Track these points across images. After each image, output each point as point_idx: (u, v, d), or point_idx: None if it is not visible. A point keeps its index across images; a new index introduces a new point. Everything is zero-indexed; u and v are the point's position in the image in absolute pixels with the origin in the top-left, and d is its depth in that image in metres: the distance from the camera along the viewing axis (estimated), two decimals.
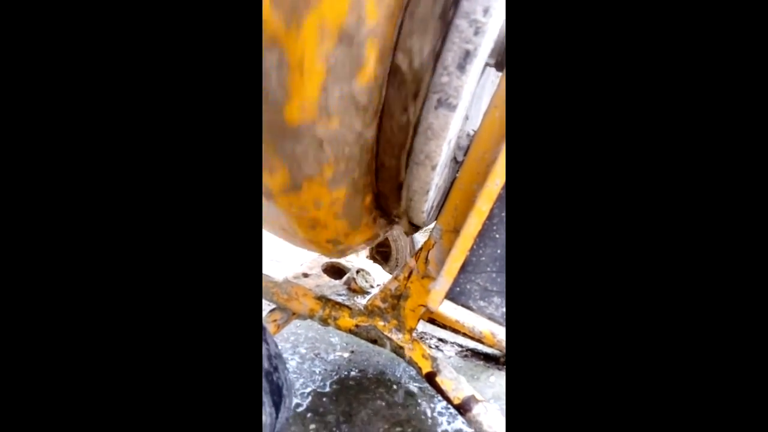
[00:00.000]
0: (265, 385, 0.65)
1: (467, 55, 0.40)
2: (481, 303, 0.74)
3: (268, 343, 0.70)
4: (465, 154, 0.72)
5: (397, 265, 1.34)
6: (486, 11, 0.38)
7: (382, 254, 1.33)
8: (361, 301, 0.97)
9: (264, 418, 0.67)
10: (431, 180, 0.53)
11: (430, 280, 0.85)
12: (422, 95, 0.44)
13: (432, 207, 0.68)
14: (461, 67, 0.41)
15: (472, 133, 0.75)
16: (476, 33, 0.39)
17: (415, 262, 0.88)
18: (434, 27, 0.39)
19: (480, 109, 0.83)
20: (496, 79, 0.73)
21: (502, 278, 0.71)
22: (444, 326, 1.20)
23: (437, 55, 0.41)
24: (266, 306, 1.03)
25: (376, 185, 0.59)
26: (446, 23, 0.39)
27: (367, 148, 0.49)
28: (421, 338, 1.23)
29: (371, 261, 1.22)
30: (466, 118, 0.72)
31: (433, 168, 0.51)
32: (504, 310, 0.72)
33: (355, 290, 1.01)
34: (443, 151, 0.49)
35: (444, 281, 0.73)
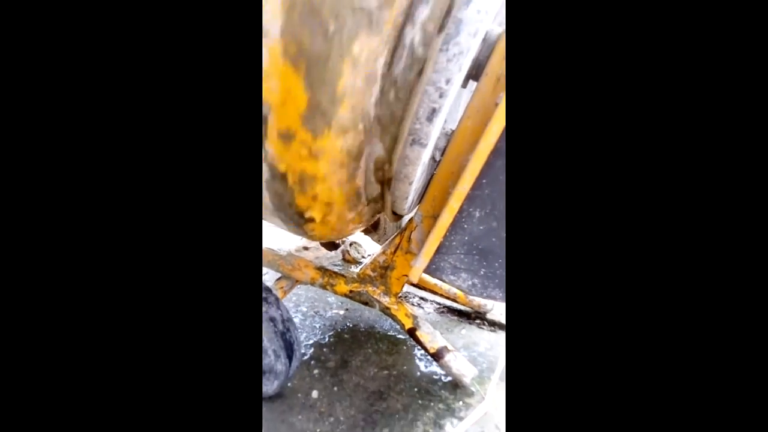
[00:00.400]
0: (281, 342, 0.83)
1: (434, 111, 0.53)
2: (452, 277, 0.91)
3: (281, 310, 0.87)
4: (442, 154, 0.85)
5: (384, 233, 1.50)
6: (448, 81, 0.51)
7: (371, 224, 1.49)
8: (354, 269, 1.14)
9: (280, 367, 0.86)
10: (410, 190, 0.67)
11: (412, 255, 1.02)
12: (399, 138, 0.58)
13: (412, 202, 0.82)
14: (429, 119, 0.54)
15: (450, 132, 0.88)
16: (440, 96, 0.52)
17: (399, 239, 1.04)
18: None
19: (459, 110, 0.94)
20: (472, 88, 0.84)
21: (469, 258, 0.87)
22: (424, 288, 1.39)
23: (403, 120, 0.54)
24: (273, 275, 1.19)
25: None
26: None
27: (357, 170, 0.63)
28: (405, 297, 1.43)
29: (362, 233, 1.38)
30: (445, 121, 0.84)
31: (410, 184, 0.65)
32: (469, 282, 0.90)
33: (349, 261, 1.18)
34: (418, 172, 0.63)
35: (423, 261, 0.89)
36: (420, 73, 0.54)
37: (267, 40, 0.47)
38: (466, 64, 0.50)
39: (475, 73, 0.73)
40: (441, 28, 0.50)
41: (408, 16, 0.48)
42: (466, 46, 0.49)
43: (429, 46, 0.52)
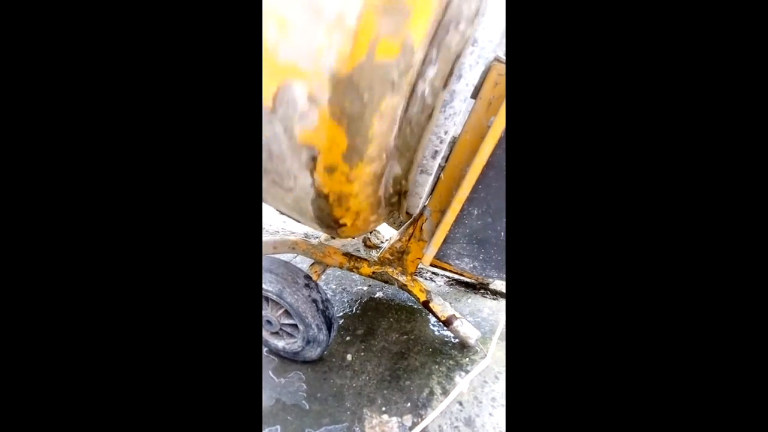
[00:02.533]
0: (322, 318, 1.06)
1: (435, 153, 0.71)
2: (457, 261, 1.11)
3: (320, 293, 1.09)
4: (446, 160, 1.03)
5: (398, 218, 1.70)
6: (446, 132, 0.68)
7: None
8: (375, 254, 1.35)
9: (321, 337, 1.09)
10: (420, 202, 0.86)
11: (424, 242, 1.22)
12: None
13: (423, 204, 1.01)
14: (433, 157, 0.71)
15: (453, 139, 1.04)
16: (441, 142, 0.69)
17: (412, 229, 1.23)
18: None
19: (461, 124, 1.10)
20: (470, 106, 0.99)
21: (470, 247, 1.07)
22: (435, 266, 1.60)
23: (416, 151, 0.71)
24: (307, 261, 1.41)
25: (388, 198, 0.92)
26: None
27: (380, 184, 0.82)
28: (419, 273, 1.64)
29: None
30: (446, 133, 1.01)
31: (420, 198, 0.83)
32: (471, 265, 1.10)
33: (370, 246, 1.38)
34: (426, 191, 0.81)
35: (432, 249, 1.09)
36: (429, 116, 0.71)
37: (317, 105, 0.63)
38: (459, 120, 0.68)
39: (474, 94, 0.89)
40: (445, 85, 0.67)
41: (420, 75, 0.65)
42: (458, 109, 0.66)
43: (435, 97, 0.68)
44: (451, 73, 0.65)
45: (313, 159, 0.70)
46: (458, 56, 0.63)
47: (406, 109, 0.69)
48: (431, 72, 0.65)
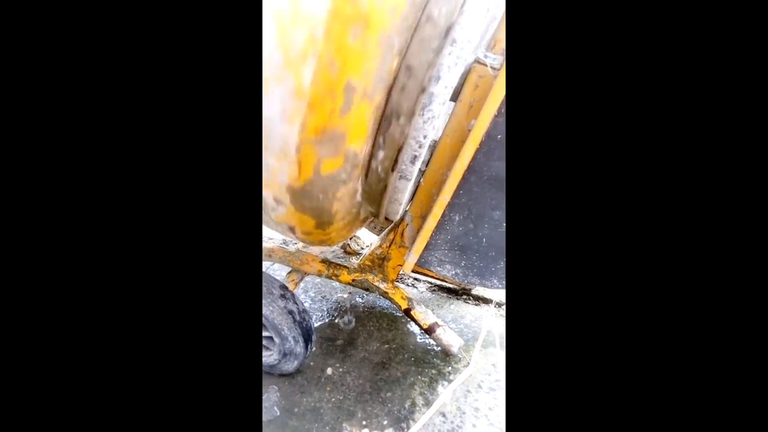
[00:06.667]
0: (299, 330, 1.01)
1: (415, 158, 0.67)
2: (438, 268, 1.08)
3: (297, 303, 1.04)
4: (426, 165, 1.00)
5: (378, 223, 1.66)
6: (425, 136, 0.65)
7: None
8: (355, 260, 1.31)
9: (298, 350, 1.04)
10: (401, 207, 0.82)
11: (405, 249, 1.18)
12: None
13: (403, 210, 0.98)
14: (412, 162, 0.68)
15: (433, 143, 1.01)
16: (420, 146, 0.66)
17: (393, 235, 1.20)
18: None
19: (440, 127, 1.08)
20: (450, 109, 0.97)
21: (452, 253, 1.04)
22: (417, 271, 1.56)
23: (396, 159, 0.68)
24: (285, 269, 1.35)
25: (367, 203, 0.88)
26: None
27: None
28: (401, 279, 1.61)
29: None
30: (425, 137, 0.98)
31: (400, 204, 0.80)
32: (453, 272, 1.07)
33: (350, 252, 1.34)
34: (406, 198, 0.78)
35: (414, 256, 1.06)
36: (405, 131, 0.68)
37: (283, 204, 0.70)
38: (438, 124, 0.64)
39: (454, 97, 0.86)
40: (417, 100, 0.64)
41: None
42: (437, 112, 0.63)
43: (411, 116, 0.66)
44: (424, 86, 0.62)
45: (292, 229, 0.80)
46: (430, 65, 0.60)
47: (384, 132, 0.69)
48: (381, 154, 0.70)
